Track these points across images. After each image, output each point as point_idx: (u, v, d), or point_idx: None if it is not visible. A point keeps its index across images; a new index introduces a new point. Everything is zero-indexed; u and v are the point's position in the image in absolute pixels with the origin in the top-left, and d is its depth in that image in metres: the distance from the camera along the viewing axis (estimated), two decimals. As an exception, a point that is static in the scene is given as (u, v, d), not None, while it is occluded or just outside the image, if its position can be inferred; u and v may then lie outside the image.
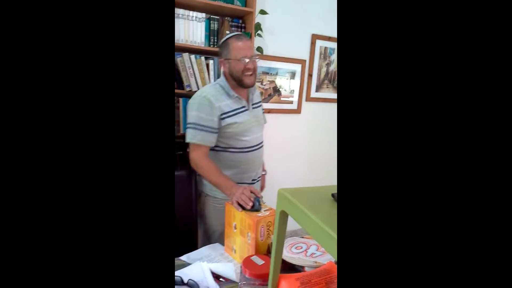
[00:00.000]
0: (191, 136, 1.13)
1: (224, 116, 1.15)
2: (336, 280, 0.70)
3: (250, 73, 1.16)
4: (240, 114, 1.19)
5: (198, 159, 1.14)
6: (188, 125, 1.14)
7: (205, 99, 1.13)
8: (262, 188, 1.44)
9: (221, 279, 0.85)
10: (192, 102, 1.16)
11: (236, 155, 1.22)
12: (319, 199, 0.58)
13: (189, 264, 0.90)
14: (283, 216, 0.64)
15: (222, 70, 1.22)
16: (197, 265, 0.87)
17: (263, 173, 1.46)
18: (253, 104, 1.26)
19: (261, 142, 1.30)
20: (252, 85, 1.20)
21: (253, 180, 1.30)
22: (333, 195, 0.60)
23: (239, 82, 1.17)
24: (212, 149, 1.20)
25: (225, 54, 1.16)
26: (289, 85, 2.26)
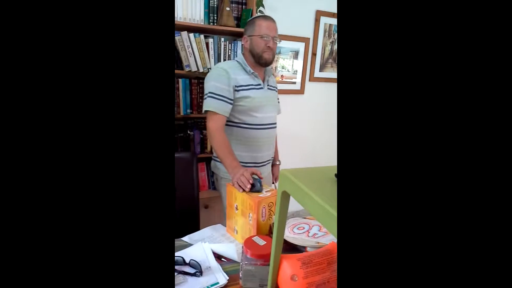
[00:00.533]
0: (207, 105, 1.16)
1: (239, 88, 1.18)
2: (338, 260, 0.69)
3: (269, 51, 1.20)
4: (255, 90, 1.21)
5: (213, 129, 1.15)
6: (205, 95, 1.17)
7: (222, 70, 1.17)
8: (276, 179, 1.44)
9: (222, 259, 0.85)
10: (209, 73, 1.20)
11: (247, 131, 1.23)
12: (321, 179, 0.57)
13: (191, 244, 0.90)
14: (285, 196, 0.63)
15: (242, 46, 1.26)
16: (199, 246, 0.87)
17: (277, 163, 1.46)
18: (268, 85, 1.29)
19: (274, 123, 1.31)
20: (270, 62, 1.23)
21: (263, 161, 1.30)
22: (336, 175, 0.58)
23: (259, 58, 1.20)
24: (226, 124, 1.21)
25: (249, 31, 1.21)
26: (292, 65, 2.20)
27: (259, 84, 1.23)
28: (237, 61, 1.24)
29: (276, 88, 1.36)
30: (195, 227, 1.10)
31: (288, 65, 2.18)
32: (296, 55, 2.19)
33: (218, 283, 0.74)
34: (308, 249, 0.76)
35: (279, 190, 0.63)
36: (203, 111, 1.19)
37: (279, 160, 1.47)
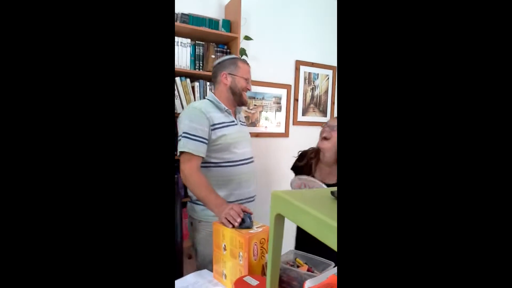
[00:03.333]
0: (182, 146, 1.11)
1: (215, 127, 1.16)
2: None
3: (246, 93, 1.26)
4: (230, 127, 1.20)
5: (189, 171, 1.09)
6: (180, 136, 1.13)
7: (196, 110, 1.15)
8: None
9: (209, 308, 0.74)
10: (183, 114, 1.18)
11: (228, 169, 1.19)
12: (315, 198, 0.55)
13: (172, 293, 0.78)
14: (279, 220, 0.58)
15: (218, 83, 1.26)
16: (182, 293, 0.76)
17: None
18: (240, 121, 1.30)
19: (252, 158, 1.29)
20: (246, 104, 1.29)
21: (247, 198, 1.25)
22: (332, 193, 0.56)
23: (239, 97, 1.23)
24: (204, 166, 1.17)
25: (231, 70, 1.23)
26: (275, 117, 2.28)
27: (233, 121, 1.23)
28: (209, 99, 1.24)
29: (245, 123, 1.39)
30: (178, 273, 0.98)
31: (271, 117, 2.26)
32: (279, 108, 2.28)
33: (204, 335, 0.62)
34: (306, 284, 0.67)
35: (272, 214, 0.58)
36: (177, 153, 1.14)
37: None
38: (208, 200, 1.05)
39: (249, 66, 1.28)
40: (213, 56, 1.76)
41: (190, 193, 1.25)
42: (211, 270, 0.95)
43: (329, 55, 2.47)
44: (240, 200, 1.21)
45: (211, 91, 1.29)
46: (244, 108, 2.05)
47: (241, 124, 1.29)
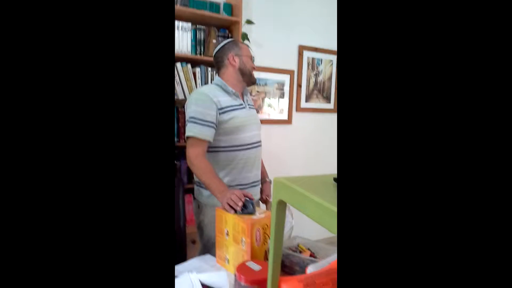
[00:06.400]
0: (188, 130, 1.11)
1: (222, 110, 1.16)
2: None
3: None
4: (238, 110, 1.20)
5: (194, 156, 1.10)
6: (187, 120, 1.14)
7: (203, 94, 1.15)
8: (268, 196, 1.37)
9: (213, 291, 0.75)
10: (190, 99, 1.18)
11: (235, 153, 1.19)
12: (318, 184, 0.55)
13: (176, 277, 0.79)
14: (281, 206, 0.57)
15: (223, 67, 1.24)
16: (185, 277, 0.77)
17: (268, 180, 1.40)
18: (249, 104, 1.29)
19: (259, 141, 1.29)
20: (255, 82, 1.29)
21: (252, 182, 1.25)
22: (335, 179, 0.55)
23: (249, 76, 1.23)
24: (211, 150, 1.17)
25: (236, 51, 1.22)
26: (278, 104, 2.25)
27: (241, 104, 1.23)
28: (216, 84, 1.23)
29: (253, 105, 1.38)
30: (182, 257, 1.00)
31: (274, 104, 2.23)
32: (282, 94, 2.24)
33: (207, 317, 0.63)
34: (309, 269, 0.67)
35: (274, 200, 0.57)
36: (185, 137, 1.15)
37: (268, 178, 1.40)
38: (211, 186, 1.05)
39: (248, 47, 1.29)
40: (214, 41, 1.72)
41: (196, 177, 1.26)
42: (214, 255, 0.96)
43: (333, 40, 2.41)
44: (245, 184, 1.22)
45: (218, 75, 1.26)
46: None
47: (249, 107, 1.28)
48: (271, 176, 1.69)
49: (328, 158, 2.54)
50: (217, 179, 1.07)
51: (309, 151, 2.44)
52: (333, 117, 2.54)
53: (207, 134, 1.11)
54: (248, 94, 1.33)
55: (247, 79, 1.23)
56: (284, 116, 2.29)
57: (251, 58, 1.25)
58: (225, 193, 0.96)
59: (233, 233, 0.87)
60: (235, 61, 1.21)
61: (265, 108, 2.20)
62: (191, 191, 1.72)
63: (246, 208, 0.88)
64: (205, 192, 1.20)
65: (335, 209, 0.39)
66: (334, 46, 2.42)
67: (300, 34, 2.24)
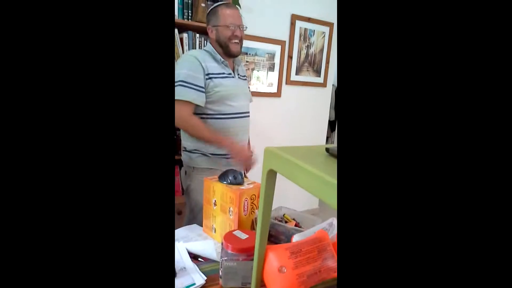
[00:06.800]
0: (178, 94, 1.08)
1: (210, 76, 1.12)
2: (329, 248, 0.63)
3: (237, 41, 1.16)
4: (227, 79, 1.17)
5: (186, 115, 1.09)
6: (176, 83, 1.09)
7: (192, 57, 1.11)
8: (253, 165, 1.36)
9: (199, 259, 0.76)
10: (179, 61, 1.13)
11: (223, 121, 1.17)
12: (309, 154, 0.53)
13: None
14: (271, 176, 0.57)
15: (209, 37, 1.20)
16: (172, 245, 0.77)
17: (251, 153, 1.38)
18: (239, 75, 1.25)
19: (248, 112, 1.27)
20: (238, 54, 1.19)
21: None
22: (327, 149, 0.54)
23: (226, 49, 1.16)
24: (199, 117, 1.16)
25: (213, 21, 1.16)
26: (266, 78, 2.19)
27: (230, 73, 1.19)
28: (206, 50, 1.19)
29: (246, 76, 1.33)
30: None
31: (263, 77, 2.16)
32: (272, 67, 2.18)
33: (194, 283, 0.64)
34: (294, 238, 0.68)
35: (264, 169, 0.57)
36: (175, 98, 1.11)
37: (252, 150, 1.38)
38: (217, 140, 1.10)
39: (235, 9, 1.16)
40: (203, 5, 1.62)
41: (185, 143, 1.24)
42: (201, 222, 0.96)
43: (327, 11, 2.33)
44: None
45: (206, 41, 1.24)
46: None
47: (239, 77, 1.24)
48: (258, 148, 1.68)
49: (316, 133, 2.56)
50: (218, 134, 1.10)
51: (297, 124, 2.43)
52: (323, 91, 2.52)
53: (197, 98, 1.09)
54: (242, 65, 1.29)
55: (225, 51, 1.16)
56: (274, 89, 2.25)
57: (240, 27, 1.17)
58: (244, 153, 1.13)
59: (220, 203, 0.87)
60: (212, 32, 1.17)
61: (253, 81, 2.15)
62: (176, 162, 1.70)
63: (235, 178, 0.87)
64: (193, 155, 1.20)
65: (329, 178, 0.39)
66: (327, 17, 2.34)
67: (293, 2, 2.15)
